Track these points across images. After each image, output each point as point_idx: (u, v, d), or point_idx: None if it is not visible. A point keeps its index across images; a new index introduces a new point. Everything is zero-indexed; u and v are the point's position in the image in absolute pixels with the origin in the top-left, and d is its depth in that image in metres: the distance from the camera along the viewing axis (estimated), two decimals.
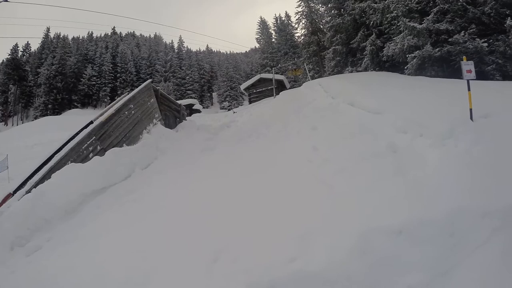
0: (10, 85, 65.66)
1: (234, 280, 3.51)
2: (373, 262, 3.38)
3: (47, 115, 54.07)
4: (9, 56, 67.49)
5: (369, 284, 3.25)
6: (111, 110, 11.04)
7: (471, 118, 5.50)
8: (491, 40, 12.10)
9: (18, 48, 70.64)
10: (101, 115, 11.35)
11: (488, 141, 4.70)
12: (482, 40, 11.78)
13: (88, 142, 9.66)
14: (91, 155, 9.54)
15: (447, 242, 3.42)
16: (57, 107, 62.57)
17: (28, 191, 7.75)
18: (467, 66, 6.01)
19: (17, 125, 53.25)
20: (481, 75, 8.46)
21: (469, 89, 5.74)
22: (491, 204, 3.56)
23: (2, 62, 69.24)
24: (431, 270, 3.25)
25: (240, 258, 3.88)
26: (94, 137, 9.89)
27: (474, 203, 3.61)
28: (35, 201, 7.02)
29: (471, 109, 5.54)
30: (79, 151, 9.34)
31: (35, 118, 55.59)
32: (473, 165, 4.27)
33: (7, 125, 60.37)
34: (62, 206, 7.30)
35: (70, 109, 62.85)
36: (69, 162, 8.83)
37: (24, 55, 72.59)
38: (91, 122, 10.85)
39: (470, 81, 5.91)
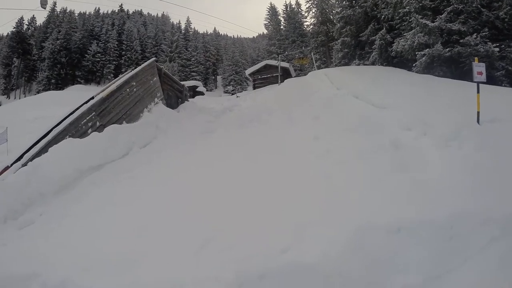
0: (14, 59, 65.01)
1: (222, 268, 3.44)
2: (368, 259, 3.30)
3: (50, 90, 53.61)
4: (14, 29, 66.70)
5: (362, 281, 3.19)
6: (113, 87, 10.92)
7: (478, 121, 5.39)
8: (503, 46, 11.89)
9: (24, 21, 69.86)
10: (102, 91, 11.23)
11: (493, 147, 4.60)
12: (494, 45, 11.53)
13: (87, 118, 9.56)
14: (89, 130, 9.45)
15: (445, 245, 3.34)
16: (60, 82, 62.05)
17: (24, 164, 7.68)
18: (479, 67, 5.85)
19: (20, 98, 52.90)
20: (490, 80, 8.30)
21: (478, 92, 5.61)
22: (492, 211, 3.48)
23: (7, 35, 68.50)
24: (426, 272, 3.18)
25: (231, 246, 3.82)
26: (94, 112, 9.78)
27: (475, 208, 3.53)
28: (30, 175, 6.95)
29: (478, 112, 5.43)
30: (78, 126, 9.25)
31: (38, 92, 55.02)
32: (477, 170, 4.18)
33: (9, 98, 60.10)
34: (58, 180, 7.24)
35: (73, 84, 62.31)
36: (67, 136, 8.75)
37: (29, 28, 71.57)
38: (92, 98, 10.73)
39: (479, 84, 5.78)
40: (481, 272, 3.08)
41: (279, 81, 29.34)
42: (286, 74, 37.53)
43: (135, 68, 13.14)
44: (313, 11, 38.91)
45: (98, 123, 9.83)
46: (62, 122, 9.26)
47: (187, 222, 4.60)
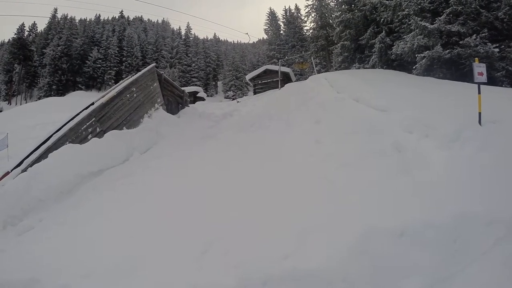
0: (15, 65, 65.22)
1: (224, 274, 3.40)
2: (372, 264, 3.25)
3: (51, 96, 53.74)
4: (15, 36, 66.95)
5: (366, 287, 3.13)
6: (113, 92, 10.92)
7: (479, 122, 5.34)
8: (503, 46, 11.85)
9: (25, 28, 70.04)
10: (102, 96, 11.23)
11: (496, 147, 4.55)
12: (494, 45, 11.50)
13: (87, 123, 9.54)
14: (90, 136, 9.43)
15: (449, 247, 3.29)
16: (61, 88, 62.16)
17: (24, 170, 7.66)
18: (479, 68, 5.80)
19: (21, 104, 52.99)
20: (490, 81, 8.24)
21: (479, 92, 5.57)
22: (496, 212, 3.42)
23: (8, 41, 68.78)
24: (431, 276, 3.12)
25: (233, 251, 3.79)
26: (94, 118, 9.78)
27: (479, 210, 3.47)
28: (30, 181, 6.93)
29: (480, 113, 5.38)
30: (78, 132, 9.23)
31: (39, 98, 55.13)
32: (480, 171, 4.12)
33: (10, 104, 60.26)
34: (57, 186, 7.21)
35: (74, 90, 62.37)
36: (67, 142, 8.73)
37: (30, 35, 71.84)
38: (92, 104, 10.73)
39: (480, 84, 5.74)
40: (488, 274, 3.01)
41: (280, 86, 29.31)
42: (286, 79, 37.52)
43: (136, 74, 13.15)
44: (313, 15, 39.10)
45: (98, 129, 9.82)
46: (62, 128, 9.25)
47: (188, 227, 4.57)
